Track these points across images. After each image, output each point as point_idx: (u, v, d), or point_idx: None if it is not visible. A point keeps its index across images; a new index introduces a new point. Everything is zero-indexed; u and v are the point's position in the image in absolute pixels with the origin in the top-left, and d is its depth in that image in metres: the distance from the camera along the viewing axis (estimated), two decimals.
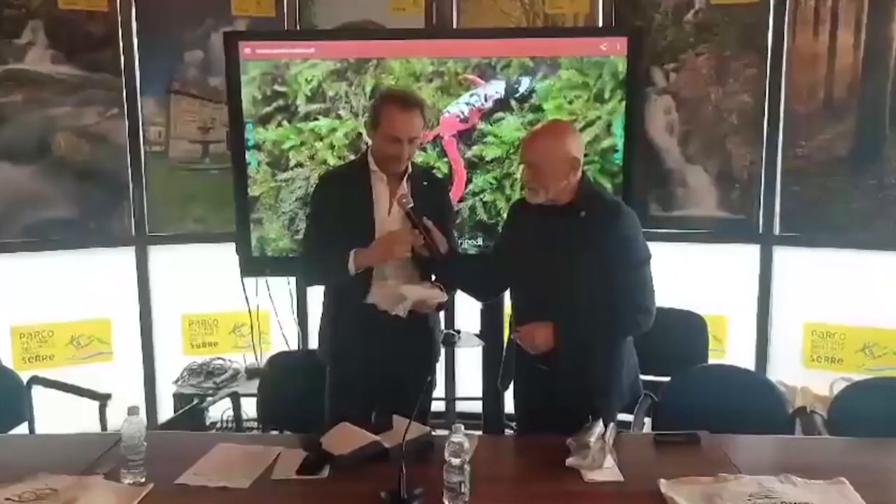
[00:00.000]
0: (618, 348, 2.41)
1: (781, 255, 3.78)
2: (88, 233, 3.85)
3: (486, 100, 3.42)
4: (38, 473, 1.96)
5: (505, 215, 3.28)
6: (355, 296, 2.40)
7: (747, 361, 3.77)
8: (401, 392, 2.31)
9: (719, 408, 2.49)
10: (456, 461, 1.76)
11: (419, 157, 3.41)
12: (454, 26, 3.94)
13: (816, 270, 3.72)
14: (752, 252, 3.82)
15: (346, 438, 2.10)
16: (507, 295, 2.69)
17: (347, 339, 2.47)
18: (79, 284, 3.87)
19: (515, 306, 2.54)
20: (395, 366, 2.43)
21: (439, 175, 3.26)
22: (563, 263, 2.31)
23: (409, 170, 2.47)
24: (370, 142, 2.51)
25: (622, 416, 3.17)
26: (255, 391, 2.89)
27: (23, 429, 2.79)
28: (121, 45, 3.82)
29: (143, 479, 1.94)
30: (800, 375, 3.72)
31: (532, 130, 2.48)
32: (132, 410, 1.97)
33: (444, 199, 2.65)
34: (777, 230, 3.77)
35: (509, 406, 3.22)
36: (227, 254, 3.57)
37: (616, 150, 3.44)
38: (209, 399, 3.58)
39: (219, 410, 3.67)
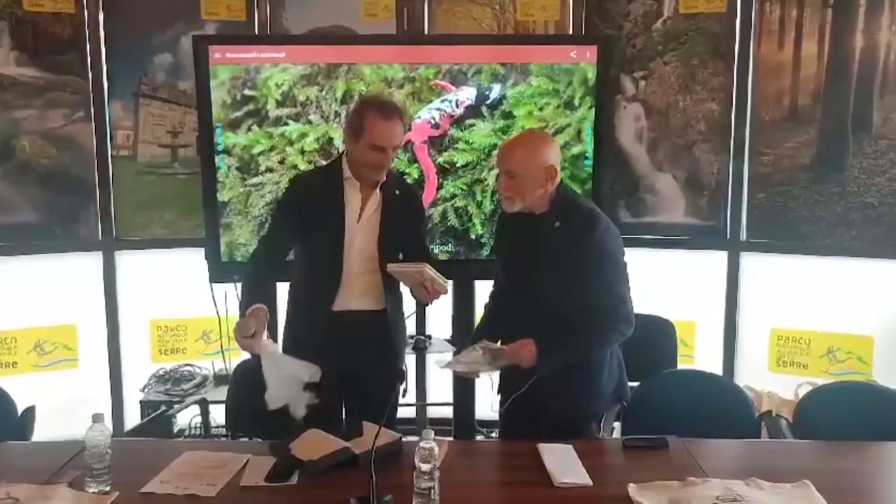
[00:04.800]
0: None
1: (748, 261, 3.84)
2: (54, 237, 3.78)
3: (457, 106, 3.44)
4: (0, 482, 1.92)
5: (476, 221, 3.31)
6: (323, 301, 2.40)
7: (715, 366, 3.81)
8: (363, 394, 2.36)
9: (687, 412, 2.52)
10: (426, 467, 1.76)
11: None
12: (425, 32, 3.94)
13: (782, 276, 3.78)
14: (719, 258, 3.86)
15: (315, 444, 2.08)
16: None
17: (309, 342, 2.44)
18: (44, 290, 3.80)
19: (493, 314, 2.54)
20: (356, 367, 2.42)
21: (410, 181, 3.26)
22: (538, 273, 2.31)
23: (383, 178, 2.46)
24: (346, 148, 2.47)
25: None
26: (224, 398, 2.85)
27: None
28: (88, 47, 3.76)
29: (108, 488, 1.91)
30: (766, 380, 3.77)
31: (507, 140, 2.47)
32: (97, 418, 1.93)
33: (415, 206, 2.64)
34: (744, 236, 3.82)
35: (479, 412, 3.22)
36: (195, 259, 3.53)
37: (586, 157, 3.47)
38: (177, 406, 3.54)
39: (187, 417, 3.63)
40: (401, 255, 2.45)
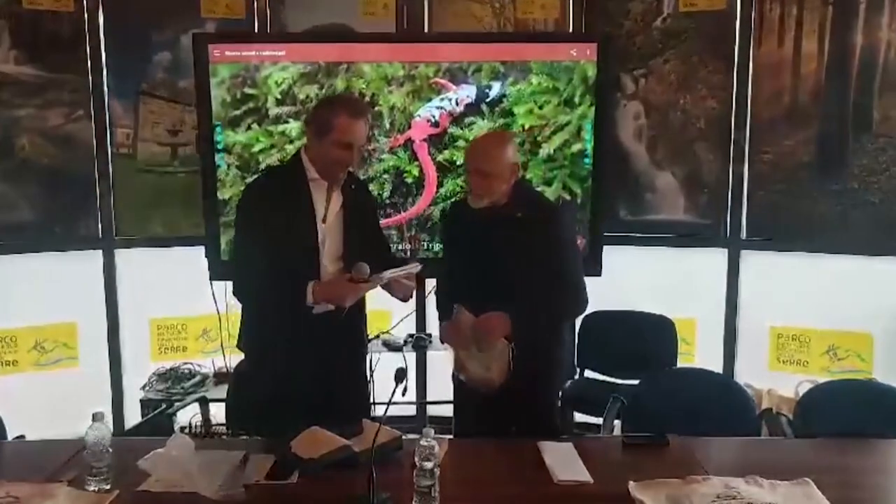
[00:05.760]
0: (559, 330, 2.60)
1: (748, 259, 3.83)
2: (54, 236, 3.79)
3: (457, 104, 3.43)
4: (0, 481, 1.91)
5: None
6: (301, 302, 2.36)
7: (715, 364, 3.81)
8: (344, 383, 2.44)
9: (688, 410, 2.52)
10: (427, 465, 1.76)
11: (391, 161, 3.43)
12: (425, 30, 3.94)
13: (782, 274, 3.78)
14: (719, 256, 3.86)
15: (315, 443, 2.08)
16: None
17: (287, 341, 2.39)
18: (44, 288, 3.80)
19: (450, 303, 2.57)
20: (336, 357, 2.45)
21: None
22: (505, 261, 2.41)
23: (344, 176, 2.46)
24: (308, 146, 2.42)
25: (592, 419, 3.20)
26: (224, 396, 2.85)
27: None
28: (87, 45, 3.76)
29: (108, 487, 1.90)
30: (766, 378, 3.77)
31: (475, 140, 2.65)
32: (97, 416, 1.93)
33: (369, 194, 2.72)
34: (744, 234, 3.82)
35: None
36: (195, 257, 3.53)
37: (586, 155, 3.47)
38: (177, 404, 3.54)
39: (187, 416, 3.63)
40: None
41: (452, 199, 3.32)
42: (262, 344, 2.49)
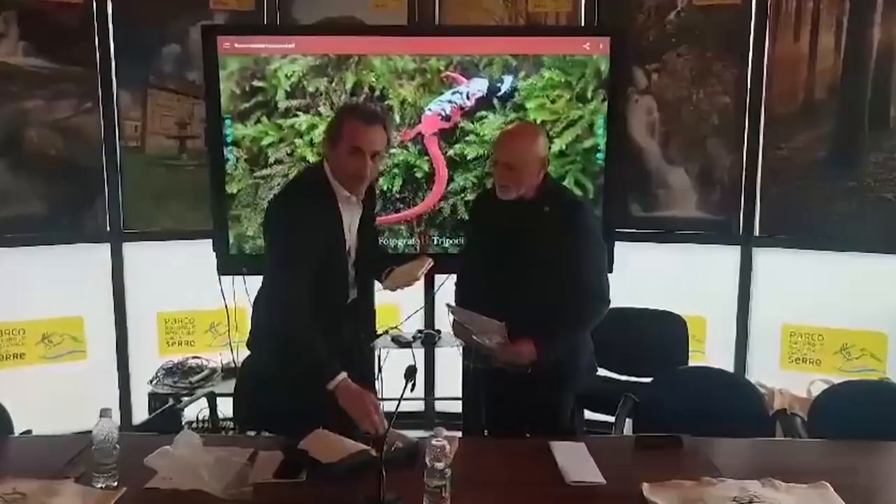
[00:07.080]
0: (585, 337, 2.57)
1: (761, 256, 3.80)
2: (61, 229, 3.77)
3: (468, 98, 3.40)
4: (6, 477, 1.90)
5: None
6: (338, 299, 2.42)
7: (726, 362, 3.78)
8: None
9: (700, 410, 2.48)
10: (438, 465, 1.73)
11: (401, 156, 3.40)
12: (436, 23, 3.91)
13: (795, 272, 3.74)
14: (731, 253, 3.82)
15: (329, 446, 2.05)
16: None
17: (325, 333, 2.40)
18: (51, 281, 3.79)
19: (476, 297, 2.54)
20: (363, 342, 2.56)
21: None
22: (530, 255, 2.41)
23: (363, 192, 2.44)
24: (328, 162, 2.35)
25: (604, 417, 3.18)
26: (232, 391, 2.84)
27: None
28: (96, 37, 3.74)
29: (115, 484, 1.89)
30: (778, 377, 3.73)
31: (505, 132, 2.60)
32: (104, 412, 1.91)
33: (374, 199, 2.67)
34: (756, 231, 3.78)
35: None
36: (203, 251, 3.51)
37: (598, 150, 3.43)
38: (185, 399, 3.52)
39: (194, 411, 3.61)
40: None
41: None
42: (292, 343, 2.45)
